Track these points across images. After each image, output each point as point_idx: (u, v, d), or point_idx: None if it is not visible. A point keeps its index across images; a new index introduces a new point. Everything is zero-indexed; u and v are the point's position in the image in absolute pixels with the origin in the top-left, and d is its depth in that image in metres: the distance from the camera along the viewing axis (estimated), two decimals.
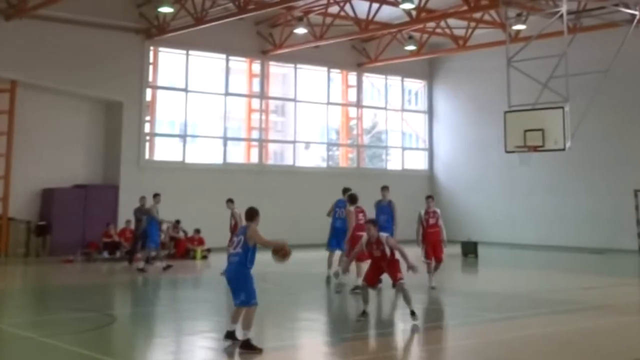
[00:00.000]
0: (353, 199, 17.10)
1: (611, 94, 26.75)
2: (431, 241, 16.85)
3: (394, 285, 12.64)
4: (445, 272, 16.51)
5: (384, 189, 17.98)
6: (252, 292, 10.09)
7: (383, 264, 12.40)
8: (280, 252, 10.20)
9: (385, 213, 17.51)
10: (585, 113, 23.93)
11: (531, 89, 23.78)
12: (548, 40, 23.23)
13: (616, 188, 27.69)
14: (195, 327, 12.75)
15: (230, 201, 20.41)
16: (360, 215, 16.78)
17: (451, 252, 21.96)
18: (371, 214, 17.31)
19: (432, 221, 16.89)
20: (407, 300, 12.25)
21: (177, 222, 25.15)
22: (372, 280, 12.57)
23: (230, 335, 10.36)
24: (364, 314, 12.45)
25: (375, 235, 12.32)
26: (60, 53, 25.55)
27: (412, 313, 12.23)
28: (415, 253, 16.96)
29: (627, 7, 22.98)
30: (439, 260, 16.91)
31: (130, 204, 23.47)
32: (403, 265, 12.46)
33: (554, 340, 11.49)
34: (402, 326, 12.72)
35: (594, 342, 11.50)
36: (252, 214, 10.41)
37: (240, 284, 10.04)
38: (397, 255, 12.43)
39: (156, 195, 21.29)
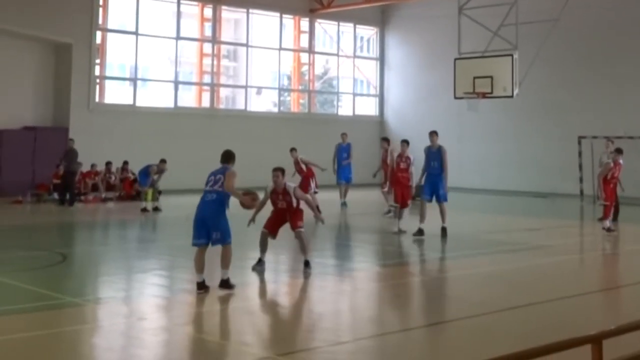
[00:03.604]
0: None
1: (559, 43, 27.13)
2: (401, 186, 16.62)
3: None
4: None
5: (433, 134, 16.49)
6: (227, 231, 10.08)
7: (287, 215, 11.72)
8: (248, 205, 10.50)
9: (436, 159, 16.26)
10: (533, 61, 24.34)
11: (481, 36, 24.13)
12: None
13: (561, 135, 28.18)
14: (145, 266, 12.91)
15: (293, 150, 21.02)
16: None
17: None
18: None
19: (403, 165, 16.62)
20: (303, 249, 11.72)
21: (125, 163, 25.19)
22: (272, 228, 11.74)
23: (201, 286, 10.03)
24: (260, 262, 11.70)
25: (282, 184, 11.61)
26: None
27: (306, 263, 11.68)
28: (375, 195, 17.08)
29: None
30: (404, 206, 16.63)
31: (80, 147, 23.25)
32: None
33: (492, 277, 11.97)
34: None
35: (530, 279, 12.01)
36: (229, 156, 10.47)
37: (216, 222, 9.98)
38: (303, 205, 11.82)
39: (163, 162, 21.89)
